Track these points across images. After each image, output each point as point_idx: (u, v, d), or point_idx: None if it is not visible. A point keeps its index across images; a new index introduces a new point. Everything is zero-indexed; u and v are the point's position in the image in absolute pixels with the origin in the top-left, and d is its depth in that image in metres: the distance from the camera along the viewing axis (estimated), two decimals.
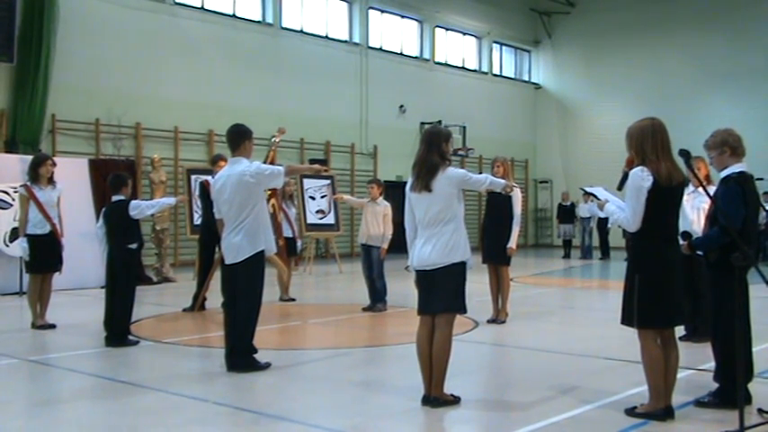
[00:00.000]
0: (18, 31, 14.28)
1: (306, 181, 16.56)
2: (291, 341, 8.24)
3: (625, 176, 4.66)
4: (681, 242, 4.80)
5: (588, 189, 5.16)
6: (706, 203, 6.41)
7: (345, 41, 21.05)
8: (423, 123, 21.61)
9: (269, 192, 8.92)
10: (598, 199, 4.97)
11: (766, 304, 7.80)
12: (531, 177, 26.85)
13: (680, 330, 6.22)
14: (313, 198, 16.69)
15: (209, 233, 8.84)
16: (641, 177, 4.51)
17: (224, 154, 8.38)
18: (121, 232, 7.39)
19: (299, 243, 12.38)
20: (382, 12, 22.25)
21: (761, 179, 10.84)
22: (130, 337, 7.39)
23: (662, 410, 4.60)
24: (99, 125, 15.53)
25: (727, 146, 4.93)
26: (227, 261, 6.16)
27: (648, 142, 4.57)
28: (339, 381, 5.96)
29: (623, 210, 4.64)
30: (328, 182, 17.16)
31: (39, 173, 8.35)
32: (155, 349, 7.34)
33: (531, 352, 7.31)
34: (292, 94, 18.97)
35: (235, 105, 17.11)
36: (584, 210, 20.95)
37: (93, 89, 15.38)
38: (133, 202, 7.50)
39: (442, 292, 4.96)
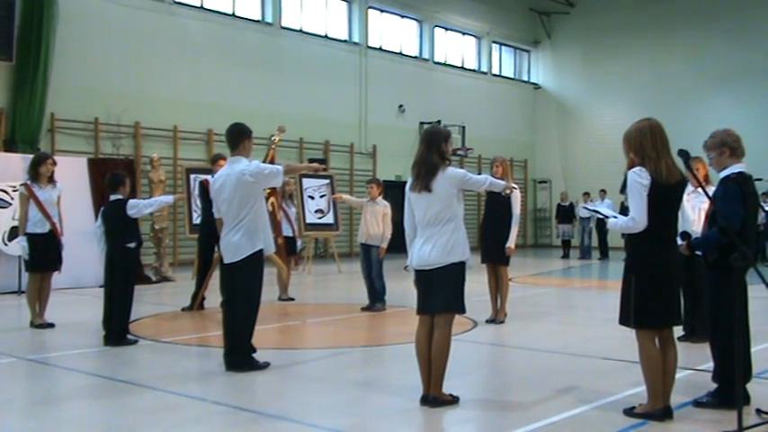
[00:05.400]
0: (17, 30, 14.27)
1: (305, 180, 16.55)
2: (290, 341, 8.24)
3: (626, 179, 4.66)
4: (680, 242, 4.81)
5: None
6: (706, 203, 6.41)
7: (345, 41, 21.05)
8: (422, 123, 21.62)
9: (268, 190, 8.92)
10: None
11: (765, 305, 7.81)
12: (530, 177, 26.85)
13: (678, 330, 6.23)
14: (312, 198, 16.68)
15: (209, 232, 8.84)
16: (639, 175, 4.52)
17: (223, 153, 8.38)
18: (120, 231, 7.38)
19: (298, 242, 12.38)
20: (382, 11, 22.24)
21: (760, 179, 10.82)
22: (129, 337, 7.38)
23: (660, 411, 4.60)
24: (98, 124, 15.53)
25: (727, 146, 4.94)
26: (226, 260, 6.16)
27: (648, 141, 4.57)
28: (338, 380, 5.97)
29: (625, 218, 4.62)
30: (327, 181, 17.15)
31: (39, 172, 8.35)
32: (153, 348, 7.34)
33: (530, 352, 7.31)
34: (292, 94, 18.96)
35: (234, 105, 17.10)
36: (583, 210, 20.96)
37: (92, 88, 15.37)
38: (131, 201, 7.49)
39: (441, 292, 4.96)
